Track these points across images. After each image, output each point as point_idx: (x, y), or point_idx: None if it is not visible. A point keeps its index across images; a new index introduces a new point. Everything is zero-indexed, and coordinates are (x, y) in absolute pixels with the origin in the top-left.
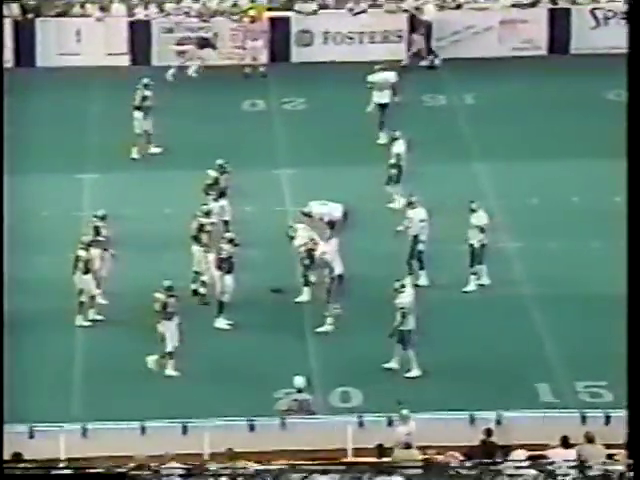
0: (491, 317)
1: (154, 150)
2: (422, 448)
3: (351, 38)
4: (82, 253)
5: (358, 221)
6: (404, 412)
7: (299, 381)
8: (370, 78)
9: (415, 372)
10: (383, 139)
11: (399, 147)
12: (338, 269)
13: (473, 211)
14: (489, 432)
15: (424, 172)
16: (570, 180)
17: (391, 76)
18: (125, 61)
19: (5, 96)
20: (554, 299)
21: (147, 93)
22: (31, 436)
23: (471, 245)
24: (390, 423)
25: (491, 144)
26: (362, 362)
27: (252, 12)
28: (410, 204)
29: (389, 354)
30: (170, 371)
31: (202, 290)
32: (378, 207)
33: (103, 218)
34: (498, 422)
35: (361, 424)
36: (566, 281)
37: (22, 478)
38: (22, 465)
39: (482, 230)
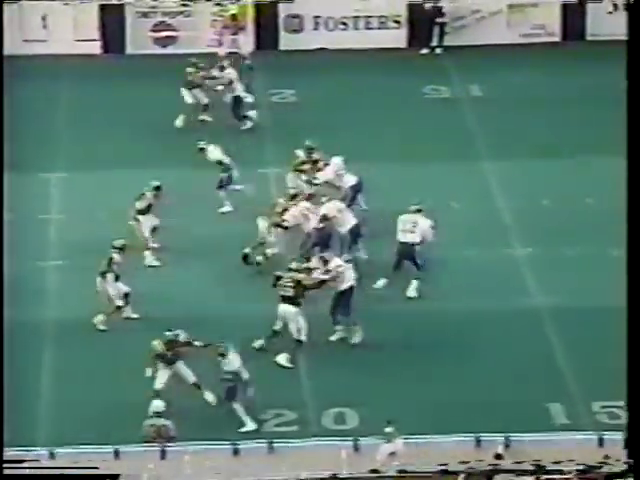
0: (499, 330)
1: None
2: (423, 474)
3: (345, 24)
4: (116, 256)
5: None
6: (388, 430)
7: (157, 405)
8: None
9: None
10: None
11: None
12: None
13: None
14: (499, 457)
15: (426, 172)
16: (586, 179)
17: None
18: (96, 48)
19: None
20: (568, 311)
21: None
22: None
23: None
24: None
25: (499, 140)
26: (357, 380)
27: (235, 11)
28: (419, 211)
29: (390, 371)
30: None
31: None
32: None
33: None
34: (507, 446)
35: (356, 448)
36: (583, 292)
37: (22, 478)
38: (22, 465)
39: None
